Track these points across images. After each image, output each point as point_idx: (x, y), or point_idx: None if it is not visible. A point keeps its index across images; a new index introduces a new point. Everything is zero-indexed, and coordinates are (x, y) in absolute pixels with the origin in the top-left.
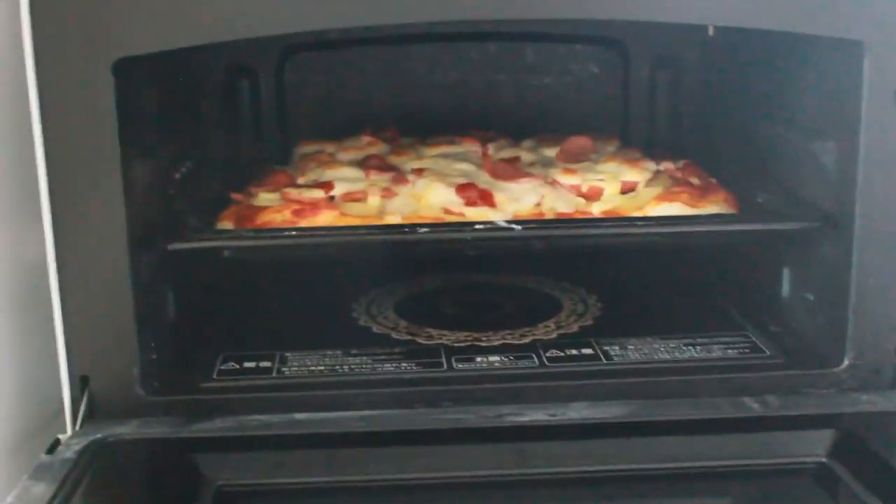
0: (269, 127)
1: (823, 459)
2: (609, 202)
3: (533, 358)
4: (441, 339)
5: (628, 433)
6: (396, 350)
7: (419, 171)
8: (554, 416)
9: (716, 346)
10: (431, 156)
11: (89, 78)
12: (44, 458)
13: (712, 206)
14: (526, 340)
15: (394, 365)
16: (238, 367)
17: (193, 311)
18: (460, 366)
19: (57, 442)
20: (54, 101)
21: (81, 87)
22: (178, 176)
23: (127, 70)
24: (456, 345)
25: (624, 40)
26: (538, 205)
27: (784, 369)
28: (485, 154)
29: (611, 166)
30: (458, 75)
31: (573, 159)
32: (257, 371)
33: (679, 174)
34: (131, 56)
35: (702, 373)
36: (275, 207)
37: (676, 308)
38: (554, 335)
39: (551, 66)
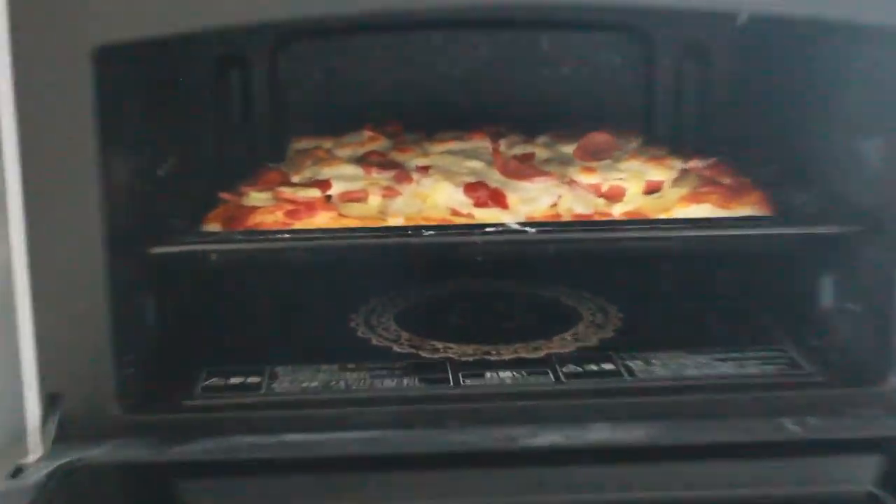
0: (262, 121)
1: (870, 489)
2: (631, 203)
3: (548, 374)
4: (447, 352)
5: (654, 457)
6: (398, 365)
7: (424, 169)
8: (571, 438)
9: (750, 362)
10: (438, 152)
11: (67, 66)
12: (6, 484)
13: (745, 208)
14: (540, 354)
15: (395, 381)
16: (224, 382)
17: (176, 321)
18: (468, 382)
19: (20, 467)
20: (29, 91)
21: (58, 75)
22: (161, 174)
23: (108, 58)
24: (463, 359)
25: (648, 28)
26: (554, 206)
27: (825, 388)
28: (496, 151)
29: (633, 164)
30: (468, 66)
31: (593, 156)
32: (245, 387)
33: (708, 173)
34: (113, 43)
35: (735, 391)
36: (267, 208)
37: (706, 319)
38: (571, 349)
39: (569, 56)
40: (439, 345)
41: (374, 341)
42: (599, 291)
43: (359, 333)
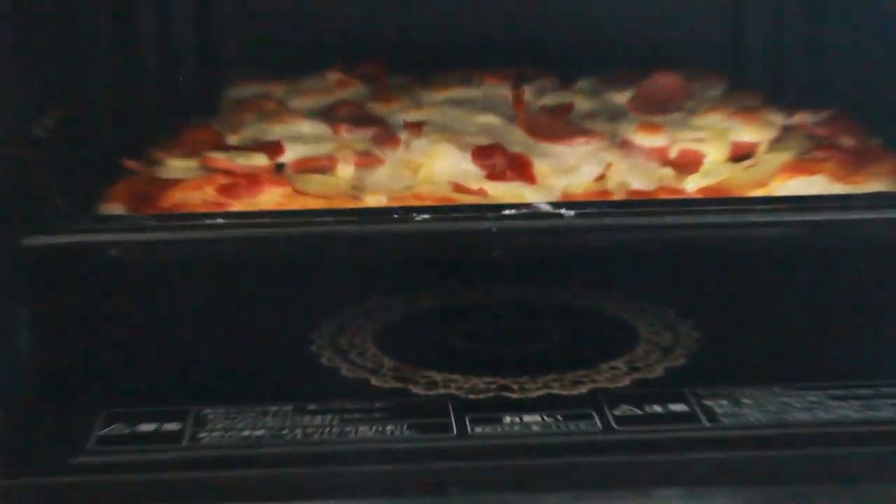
0: (185, 59)
1: None
2: (712, 175)
3: (593, 418)
4: (449, 387)
5: None
6: (379, 405)
7: (417, 127)
8: None
9: (883, 402)
10: (436, 103)
11: None
12: None
13: (872, 182)
14: (582, 390)
15: (374, 428)
16: (129, 431)
17: (62, 342)
18: (479, 430)
19: None
20: None
21: None
22: (39, 134)
23: None
24: (472, 397)
25: None
26: (601, 178)
27: None
28: (518, 100)
29: (715, 119)
30: None
31: (656, 108)
32: (159, 438)
33: (821, 132)
34: None
35: (861, 444)
36: (192, 181)
37: (818, 340)
38: (626, 382)
39: None
40: (437, 376)
41: (345, 371)
42: (665, 300)
43: (323, 360)
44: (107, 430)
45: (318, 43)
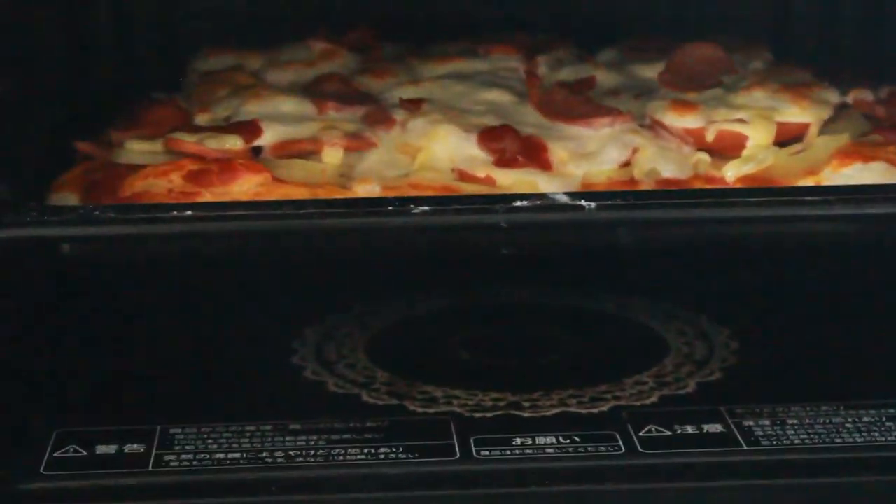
0: (146, 26)
1: None
2: (755, 161)
3: (616, 440)
4: (451, 404)
5: None
6: (370, 425)
7: (414, 105)
8: None
9: None
10: (436, 77)
11: None
12: None
13: None
14: (604, 408)
15: (366, 451)
16: (86, 453)
17: (9, 350)
18: (485, 453)
19: None
20: None
21: None
22: None
23: None
24: (477, 415)
25: None
26: (627, 165)
27: None
28: (531, 74)
29: (758, 97)
30: None
31: (690, 84)
32: (120, 462)
33: (881, 111)
34: None
35: None
36: (155, 167)
37: (873, 352)
38: (654, 399)
39: None
40: (437, 391)
41: (332, 386)
42: (699, 306)
43: (307, 373)
44: (61, 451)
45: (300, 5)
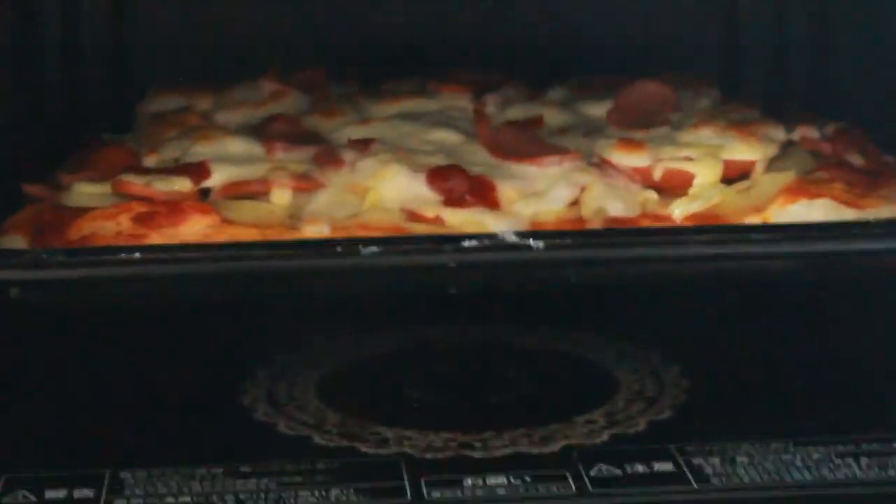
0: (94, 63)
1: None
2: (702, 199)
3: (567, 479)
4: (402, 445)
5: None
6: (321, 467)
7: (363, 145)
8: None
9: None
10: (385, 117)
11: None
12: None
13: (888, 207)
14: (555, 447)
15: (317, 494)
16: (35, 498)
17: None
18: (436, 495)
19: None
20: None
21: None
22: None
23: None
24: (428, 456)
25: None
26: (576, 203)
27: None
28: (480, 113)
29: (705, 135)
30: None
31: (638, 122)
32: None
33: (827, 148)
34: None
35: None
36: (104, 210)
37: (822, 389)
38: (604, 438)
39: None
40: (389, 432)
41: (283, 427)
42: (649, 343)
43: (257, 414)
44: (8, 497)
45: (250, 45)
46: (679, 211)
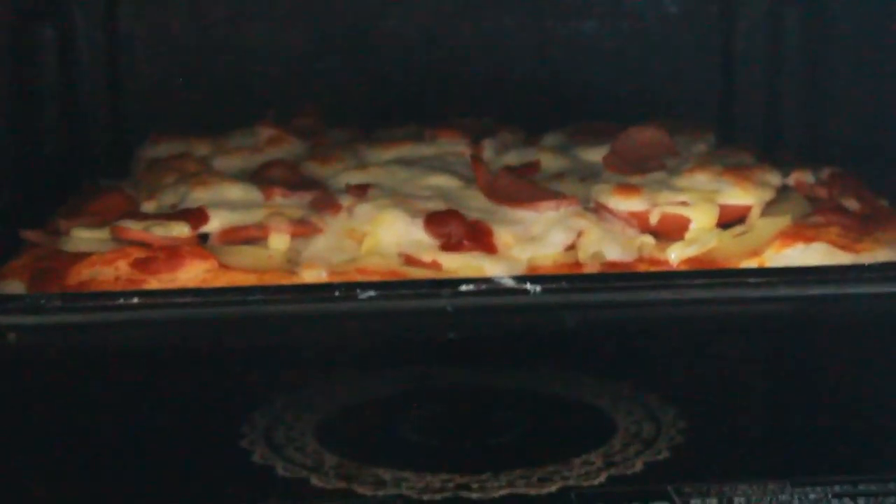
0: (92, 111)
1: None
2: (698, 243)
3: None
4: (400, 486)
5: None
6: None
7: (361, 191)
8: None
9: (894, 500)
10: (382, 162)
11: None
12: None
13: (881, 250)
14: (552, 488)
15: None
16: None
17: None
18: None
19: None
20: None
21: None
22: None
23: None
24: (426, 497)
25: None
26: (572, 248)
27: None
28: (477, 159)
29: (701, 180)
30: (431, 18)
31: (634, 167)
32: None
33: (823, 193)
34: None
35: None
36: (102, 255)
37: (819, 430)
38: (601, 479)
39: (596, 2)
40: (386, 474)
41: (281, 470)
42: (646, 385)
43: (255, 457)
44: None
45: (247, 92)
46: (675, 255)
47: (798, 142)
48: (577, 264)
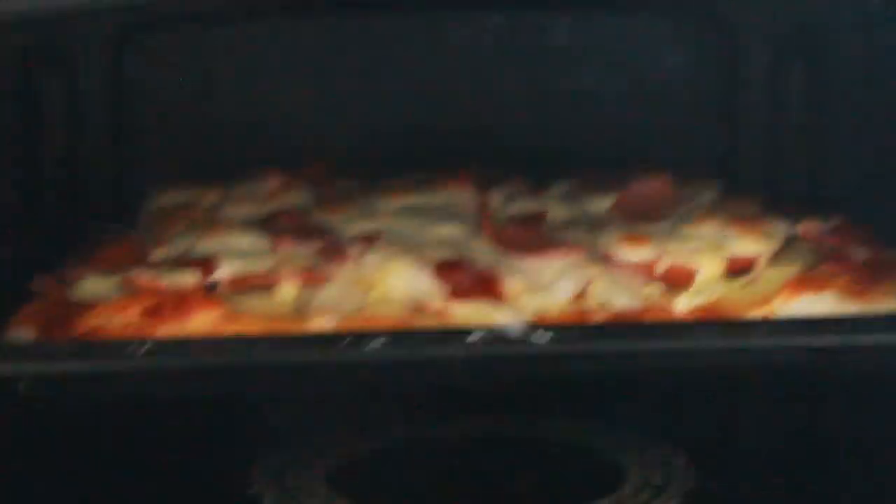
0: (100, 159)
1: None
2: (705, 293)
3: None
4: None
5: None
6: None
7: (369, 240)
8: None
9: None
10: (391, 212)
11: None
12: None
13: (892, 299)
14: None
15: None
16: None
17: None
18: None
19: None
20: None
21: None
22: None
23: None
24: None
25: (729, 13)
26: (580, 297)
27: None
28: (485, 208)
29: (708, 230)
30: (438, 66)
31: (641, 217)
32: None
33: (830, 242)
34: None
35: None
36: (112, 303)
37: (829, 479)
38: None
39: (600, 52)
40: None
41: None
42: (656, 433)
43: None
44: None
45: (256, 141)
46: (683, 305)
47: (801, 192)
48: (585, 313)
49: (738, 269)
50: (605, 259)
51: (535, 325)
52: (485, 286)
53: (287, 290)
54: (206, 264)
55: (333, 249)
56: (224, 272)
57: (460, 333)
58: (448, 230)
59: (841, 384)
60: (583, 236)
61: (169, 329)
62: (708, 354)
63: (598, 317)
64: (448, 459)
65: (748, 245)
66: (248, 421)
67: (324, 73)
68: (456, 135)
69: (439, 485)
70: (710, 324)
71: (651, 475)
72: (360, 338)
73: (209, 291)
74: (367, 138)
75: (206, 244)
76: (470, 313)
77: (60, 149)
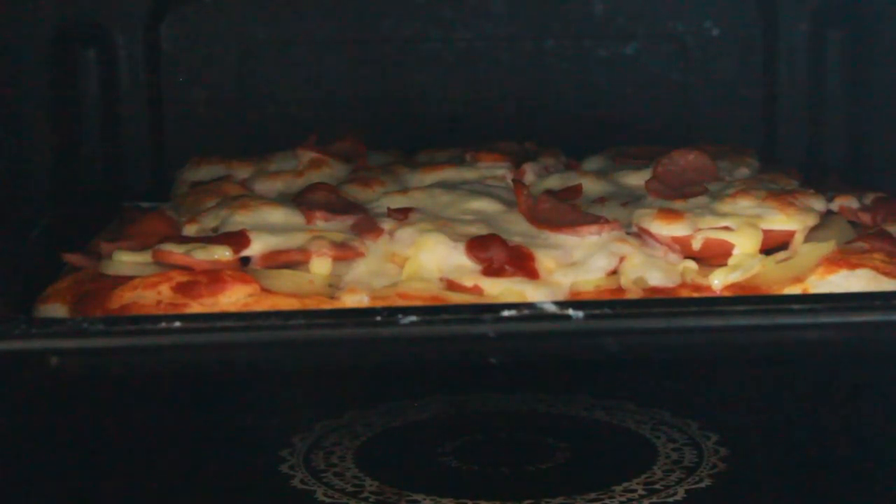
0: (133, 134)
1: None
2: (742, 269)
3: None
4: None
5: None
6: None
7: (402, 214)
8: None
9: None
10: (424, 186)
11: None
12: None
13: None
14: None
15: None
16: None
17: None
18: None
19: None
20: None
21: None
22: None
23: None
24: None
25: None
26: (614, 273)
27: None
28: (519, 182)
29: (744, 204)
30: (470, 40)
31: (676, 191)
32: None
33: (867, 218)
34: None
35: None
36: (144, 279)
37: (864, 459)
38: None
39: (635, 25)
40: (426, 500)
41: (321, 495)
42: (687, 412)
43: (295, 482)
44: None
45: (289, 115)
46: (718, 281)
47: (842, 164)
48: (620, 290)
49: (773, 244)
50: (639, 235)
51: (568, 302)
52: (518, 262)
53: (319, 266)
54: (238, 240)
55: (366, 225)
56: (256, 248)
57: (493, 310)
58: (481, 205)
59: (877, 361)
60: (617, 211)
61: (201, 305)
62: (743, 332)
63: (633, 293)
64: (477, 436)
65: (785, 221)
66: (278, 398)
67: (362, 49)
68: (490, 111)
69: (469, 463)
70: (746, 300)
71: (682, 456)
72: (393, 314)
73: (241, 267)
74: (403, 114)
75: (239, 219)
76: (503, 290)
77: (97, 122)
